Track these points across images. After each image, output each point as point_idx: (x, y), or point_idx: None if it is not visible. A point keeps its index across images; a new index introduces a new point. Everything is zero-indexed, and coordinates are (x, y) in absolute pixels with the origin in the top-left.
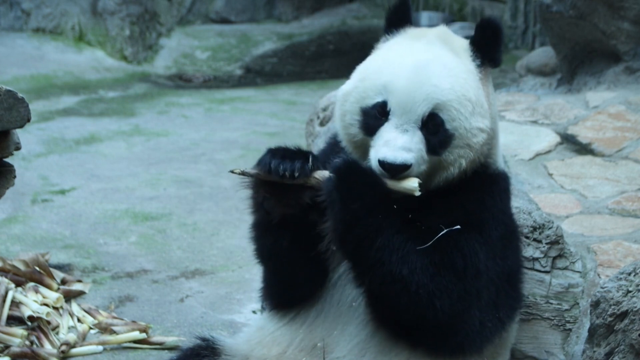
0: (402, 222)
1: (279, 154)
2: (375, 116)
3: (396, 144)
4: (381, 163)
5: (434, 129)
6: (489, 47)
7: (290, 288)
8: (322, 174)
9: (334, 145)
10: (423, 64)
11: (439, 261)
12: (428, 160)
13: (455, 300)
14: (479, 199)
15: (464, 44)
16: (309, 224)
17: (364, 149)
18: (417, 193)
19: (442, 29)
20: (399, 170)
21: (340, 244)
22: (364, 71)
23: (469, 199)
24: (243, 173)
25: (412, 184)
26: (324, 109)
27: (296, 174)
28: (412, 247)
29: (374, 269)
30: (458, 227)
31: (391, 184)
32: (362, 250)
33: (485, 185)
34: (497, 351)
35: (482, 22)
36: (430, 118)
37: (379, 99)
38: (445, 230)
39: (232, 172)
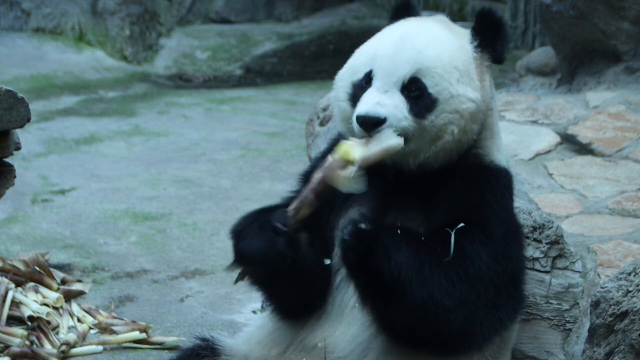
0: (415, 239)
1: (253, 246)
2: (361, 86)
3: (372, 100)
4: (358, 118)
5: (417, 92)
6: (487, 34)
7: (292, 305)
8: (302, 199)
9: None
10: (411, 33)
11: (453, 274)
12: (412, 122)
13: (469, 310)
14: (479, 194)
15: (464, 31)
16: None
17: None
18: (402, 145)
19: (441, 16)
20: (372, 124)
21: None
22: (358, 51)
23: (469, 195)
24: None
25: (393, 140)
26: (324, 109)
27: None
28: (427, 264)
29: (394, 296)
30: (462, 225)
31: (374, 148)
32: (381, 281)
33: (484, 179)
34: (498, 351)
35: (481, 10)
36: (411, 82)
37: (367, 70)
38: (452, 234)
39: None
